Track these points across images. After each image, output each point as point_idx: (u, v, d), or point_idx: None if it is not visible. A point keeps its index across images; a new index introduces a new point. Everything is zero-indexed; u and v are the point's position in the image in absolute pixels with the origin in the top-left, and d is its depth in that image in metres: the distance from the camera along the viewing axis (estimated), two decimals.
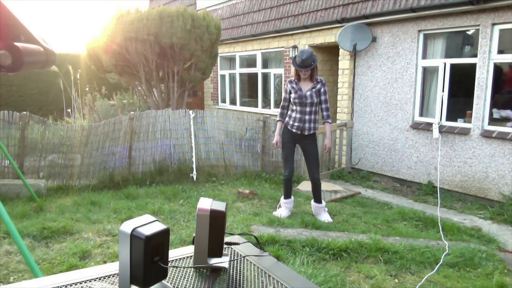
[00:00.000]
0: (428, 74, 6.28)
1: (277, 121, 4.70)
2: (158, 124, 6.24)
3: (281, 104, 4.67)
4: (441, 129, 5.87)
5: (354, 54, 7.06)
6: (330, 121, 4.61)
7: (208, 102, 12.25)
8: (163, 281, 1.03)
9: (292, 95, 4.49)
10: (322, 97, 4.49)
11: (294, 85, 4.50)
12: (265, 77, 9.93)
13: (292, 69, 8.71)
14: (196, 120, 6.41)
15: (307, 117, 4.46)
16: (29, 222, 4.12)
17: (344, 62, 7.33)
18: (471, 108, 5.59)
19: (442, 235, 4.10)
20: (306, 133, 4.51)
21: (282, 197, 4.78)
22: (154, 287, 0.99)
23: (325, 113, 4.55)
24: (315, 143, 4.65)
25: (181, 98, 8.74)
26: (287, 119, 4.62)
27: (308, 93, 4.43)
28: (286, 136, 4.62)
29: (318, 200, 4.66)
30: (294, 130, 4.53)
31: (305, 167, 6.37)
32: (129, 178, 5.99)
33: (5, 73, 1.69)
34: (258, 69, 9.98)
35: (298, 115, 4.48)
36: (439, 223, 4.44)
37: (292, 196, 4.77)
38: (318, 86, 4.46)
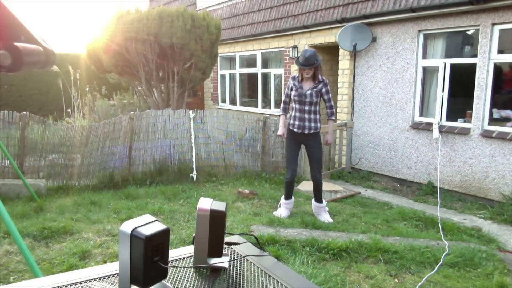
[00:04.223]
0: (428, 74, 6.28)
1: (280, 115, 4.75)
2: (158, 124, 6.24)
3: (283, 99, 4.72)
4: (441, 129, 5.87)
5: (354, 54, 7.06)
6: (333, 118, 4.67)
7: (208, 102, 12.24)
8: (163, 281, 1.03)
9: (293, 92, 4.50)
10: (325, 97, 4.50)
11: (296, 83, 4.51)
12: (265, 77, 9.93)
13: (292, 68, 8.76)
14: (196, 120, 6.41)
15: (306, 116, 4.47)
16: (29, 222, 4.12)
17: (344, 62, 7.33)
18: (471, 108, 5.59)
19: (442, 235, 4.10)
20: (307, 132, 4.49)
21: (283, 197, 4.78)
22: (154, 287, 0.99)
23: (328, 111, 4.62)
24: (319, 143, 4.62)
25: (181, 98, 8.74)
26: (288, 120, 4.66)
27: (309, 92, 4.42)
28: (289, 137, 4.64)
29: (319, 199, 4.66)
30: (295, 130, 4.54)
31: (305, 167, 6.38)
32: (129, 178, 5.99)
33: (5, 73, 1.69)
34: (258, 69, 9.98)
35: (298, 114, 4.50)
36: (439, 223, 4.44)
37: (292, 197, 4.77)
38: (320, 86, 4.44)
